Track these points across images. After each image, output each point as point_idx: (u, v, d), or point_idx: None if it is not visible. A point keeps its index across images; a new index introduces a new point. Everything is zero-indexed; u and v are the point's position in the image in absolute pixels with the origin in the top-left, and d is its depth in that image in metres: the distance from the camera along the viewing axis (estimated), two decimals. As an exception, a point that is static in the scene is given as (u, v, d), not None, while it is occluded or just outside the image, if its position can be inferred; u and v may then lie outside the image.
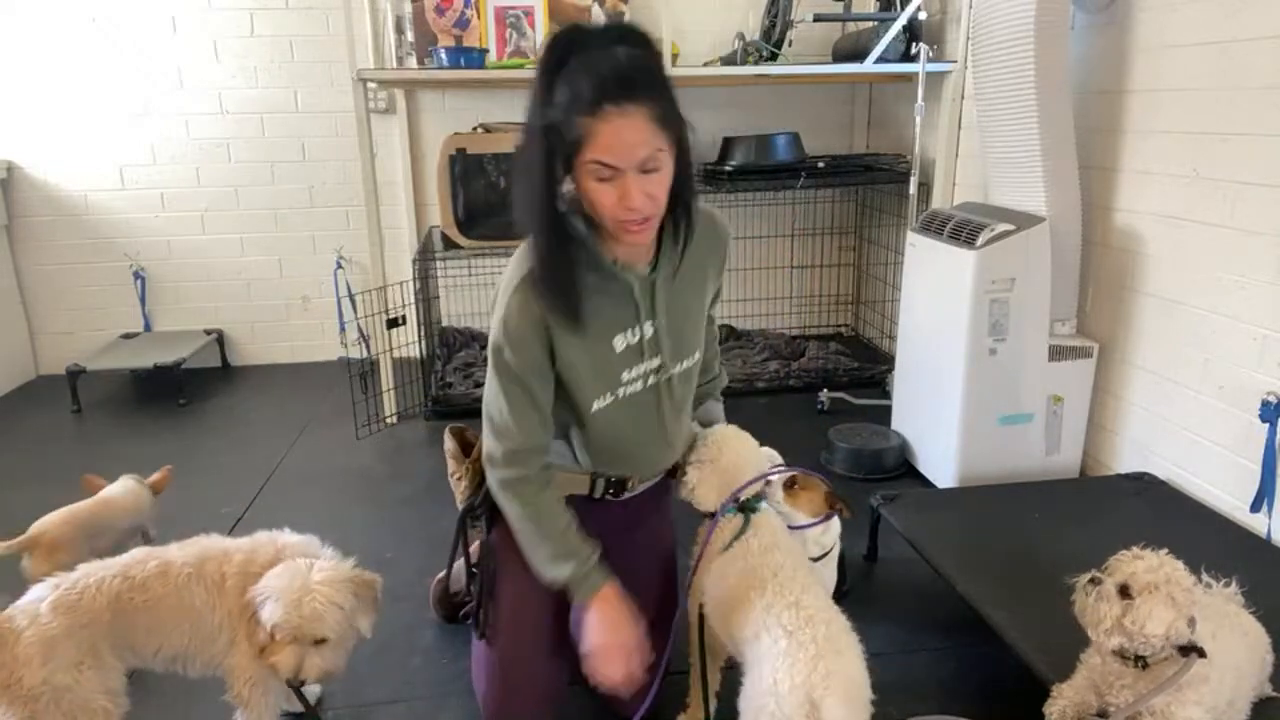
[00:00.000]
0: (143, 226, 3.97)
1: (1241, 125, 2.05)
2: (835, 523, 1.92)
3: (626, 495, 1.59)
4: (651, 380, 1.47)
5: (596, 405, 1.44)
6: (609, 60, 1.20)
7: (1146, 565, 1.30)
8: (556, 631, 1.55)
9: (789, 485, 1.73)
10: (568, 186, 1.30)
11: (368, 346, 3.45)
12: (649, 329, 1.43)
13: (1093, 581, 1.35)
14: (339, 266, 4.05)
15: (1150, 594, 1.27)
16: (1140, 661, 1.32)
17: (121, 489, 2.15)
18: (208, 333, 4.06)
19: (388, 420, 3.36)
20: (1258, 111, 2.01)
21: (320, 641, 1.46)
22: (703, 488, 1.54)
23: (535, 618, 1.52)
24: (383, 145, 3.83)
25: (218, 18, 3.77)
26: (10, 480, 2.95)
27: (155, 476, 2.25)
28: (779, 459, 2.10)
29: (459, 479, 1.67)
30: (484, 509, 1.58)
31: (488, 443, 1.45)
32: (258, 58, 3.84)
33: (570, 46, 1.22)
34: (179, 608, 1.48)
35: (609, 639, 1.37)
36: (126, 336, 4.02)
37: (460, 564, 1.68)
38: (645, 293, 1.40)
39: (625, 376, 1.44)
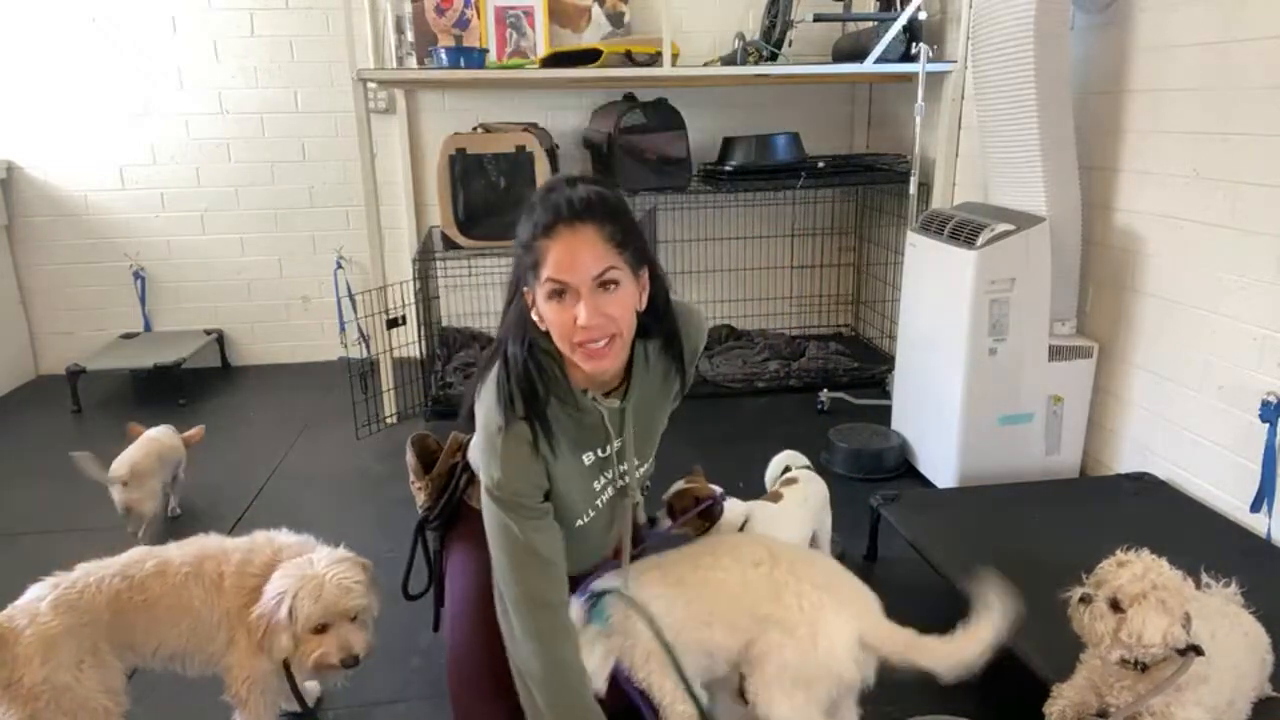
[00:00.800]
0: (143, 226, 3.97)
1: (1241, 125, 2.05)
2: (795, 520, 1.93)
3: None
4: (618, 483, 1.51)
5: (580, 522, 1.46)
6: (567, 192, 1.28)
7: (1131, 574, 1.30)
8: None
9: (673, 517, 1.75)
10: (535, 317, 1.33)
11: (368, 346, 3.45)
12: (616, 444, 1.46)
13: (1083, 600, 1.34)
14: (339, 266, 4.05)
15: (1140, 604, 1.27)
16: (1140, 665, 1.32)
17: (160, 431, 2.55)
18: (208, 333, 4.06)
19: (388, 420, 3.37)
20: (1258, 111, 2.01)
21: (352, 620, 1.50)
22: None
23: (482, 613, 1.52)
24: (383, 145, 3.83)
25: (218, 18, 3.77)
26: (10, 480, 2.95)
27: (190, 432, 2.66)
28: (802, 459, 2.14)
29: (419, 489, 1.73)
30: (439, 520, 1.66)
31: (513, 593, 1.37)
32: (258, 58, 3.84)
33: (542, 191, 1.32)
34: (177, 607, 1.49)
35: None
36: (126, 336, 4.02)
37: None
38: (614, 420, 1.43)
39: (596, 487, 1.47)
